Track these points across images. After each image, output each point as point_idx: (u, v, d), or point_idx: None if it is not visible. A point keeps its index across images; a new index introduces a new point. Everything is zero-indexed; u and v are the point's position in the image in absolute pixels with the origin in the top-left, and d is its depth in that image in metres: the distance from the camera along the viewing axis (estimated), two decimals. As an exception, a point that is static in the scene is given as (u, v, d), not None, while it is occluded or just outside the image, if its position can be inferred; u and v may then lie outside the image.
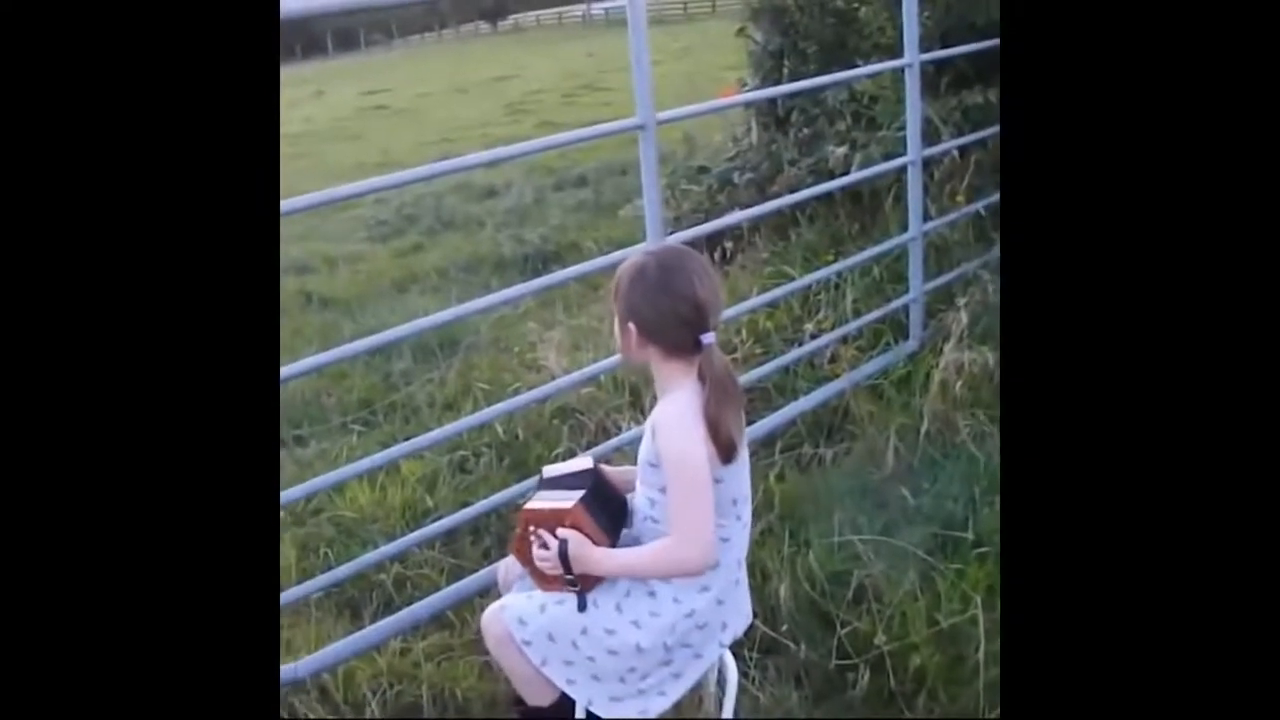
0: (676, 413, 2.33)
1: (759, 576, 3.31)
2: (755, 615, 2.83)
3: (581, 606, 2.44)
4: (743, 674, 2.98)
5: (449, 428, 3.49)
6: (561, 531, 2.41)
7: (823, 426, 4.34)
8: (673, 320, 2.33)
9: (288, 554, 3.83)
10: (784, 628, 3.14)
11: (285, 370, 2.96)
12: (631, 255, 2.49)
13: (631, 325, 2.38)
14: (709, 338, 2.32)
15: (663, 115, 3.40)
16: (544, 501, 2.51)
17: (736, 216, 5.05)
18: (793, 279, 4.91)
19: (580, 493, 2.48)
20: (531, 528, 2.47)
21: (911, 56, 4.52)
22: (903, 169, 4.85)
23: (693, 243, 5.81)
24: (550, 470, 2.68)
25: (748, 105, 6.76)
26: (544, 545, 2.43)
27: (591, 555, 2.40)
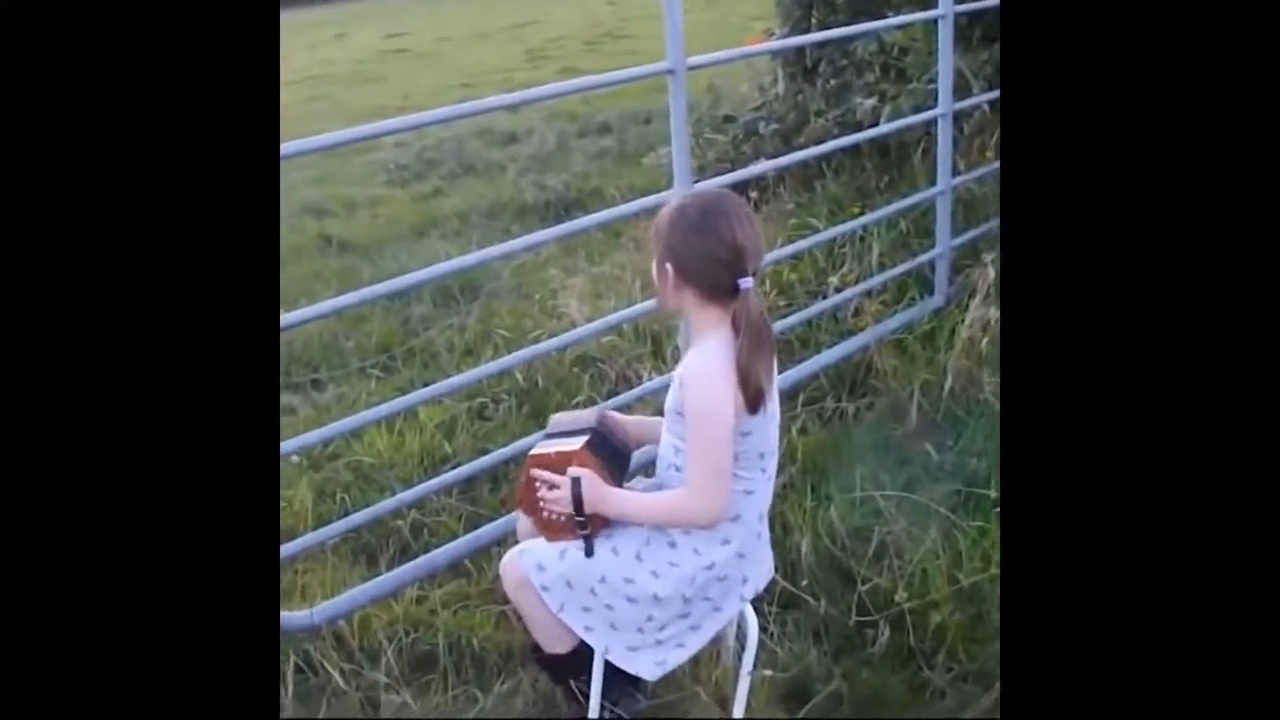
0: (706, 363, 2.30)
1: (780, 530, 3.29)
2: (775, 569, 2.81)
3: (589, 552, 2.43)
4: (761, 628, 2.96)
5: (469, 374, 3.46)
6: (572, 470, 2.39)
7: (846, 381, 4.31)
8: (710, 262, 2.30)
9: (304, 498, 3.82)
10: (804, 582, 3.12)
11: (304, 313, 2.94)
12: (666, 199, 2.46)
13: (669, 266, 2.35)
14: (747, 282, 2.29)
15: (693, 60, 3.34)
16: (549, 446, 2.50)
17: (763, 166, 4.99)
18: (818, 231, 4.87)
19: (585, 436, 2.47)
20: (536, 472, 2.45)
21: (945, 7, 4.44)
22: (932, 122, 4.78)
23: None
24: (556, 421, 2.67)
25: (775, 55, 6.69)
26: (553, 487, 2.41)
27: (604, 493, 2.40)
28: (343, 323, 5.69)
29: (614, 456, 2.51)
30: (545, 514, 2.47)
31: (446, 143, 11.17)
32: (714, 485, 2.30)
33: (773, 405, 2.42)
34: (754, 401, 2.29)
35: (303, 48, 30.94)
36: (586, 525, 2.41)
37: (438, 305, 5.85)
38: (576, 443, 2.45)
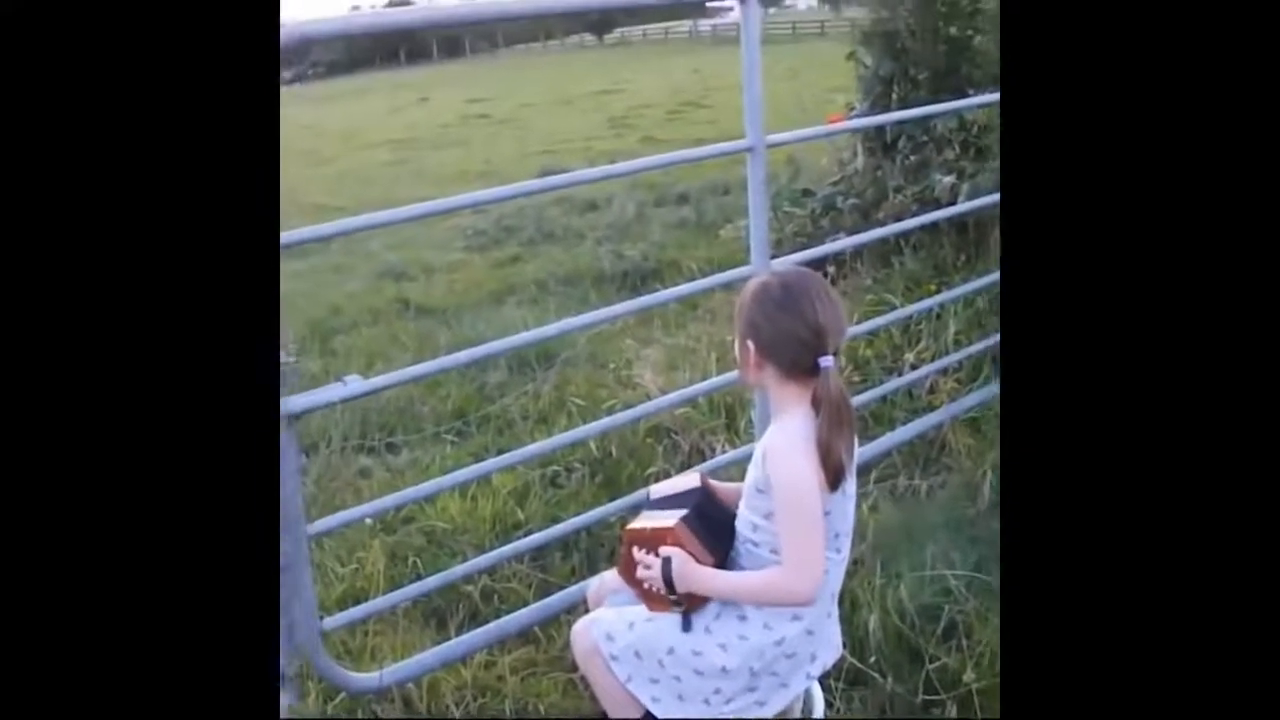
0: (789, 440, 2.32)
1: (849, 606, 3.27)
2: (845, 646, 2.79)
3: (686, 626, 2.44)
4: (828, 704, 2.95)
5: (543, 443, 3.50)
6: (664, 550, 2.40)
7: (919, 458, 4.29)
8: (791, 340, 2.32)
9: (376, 561, 3.85)
10: (871, 659, 3.09)
11: (385, 379, 2.98)
12: (745, 274, 2.48)
13: (750, 343, 2.38)
14: (827, 361, 2.30)
15: (772, 138, 3.38)
16: (646, 521, 2.51)
17: (842, 243, 5.00)
18: (894, 307, 4.87)
19: (682, 511, 2.46)
20: (635, 547, 2.47)
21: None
22: (1010, 200, 4.76)
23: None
24: (658, 490, 2.68)
25: (855, 131, 6.72)
26: (649, 565, 2.42)
27: (695, 573, 2.39)
28: (419, 388, 5.75)
29: (714, 528, 2.50)
30: (645, 585, 2.48)
31: (526, 210, 11.31)
32: (811, 560, 2.29)
33: (850, 485, 2.43)
34: (834, 479, 2.30)
35: (385, 111, 31.46)
36: (682, 603, 2.42)
37: (513, 372, 5.89)
38: (672, 519, 2.45)
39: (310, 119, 31.36)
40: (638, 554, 2.46)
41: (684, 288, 3.68)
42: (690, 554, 2.40)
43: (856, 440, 2.43)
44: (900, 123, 6.23)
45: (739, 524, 2.48)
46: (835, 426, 2.28)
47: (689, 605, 2.43)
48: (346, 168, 18.96)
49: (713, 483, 2.65)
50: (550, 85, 33.95)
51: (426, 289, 8.63)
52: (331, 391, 2.76)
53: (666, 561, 2.39)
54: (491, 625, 3.23)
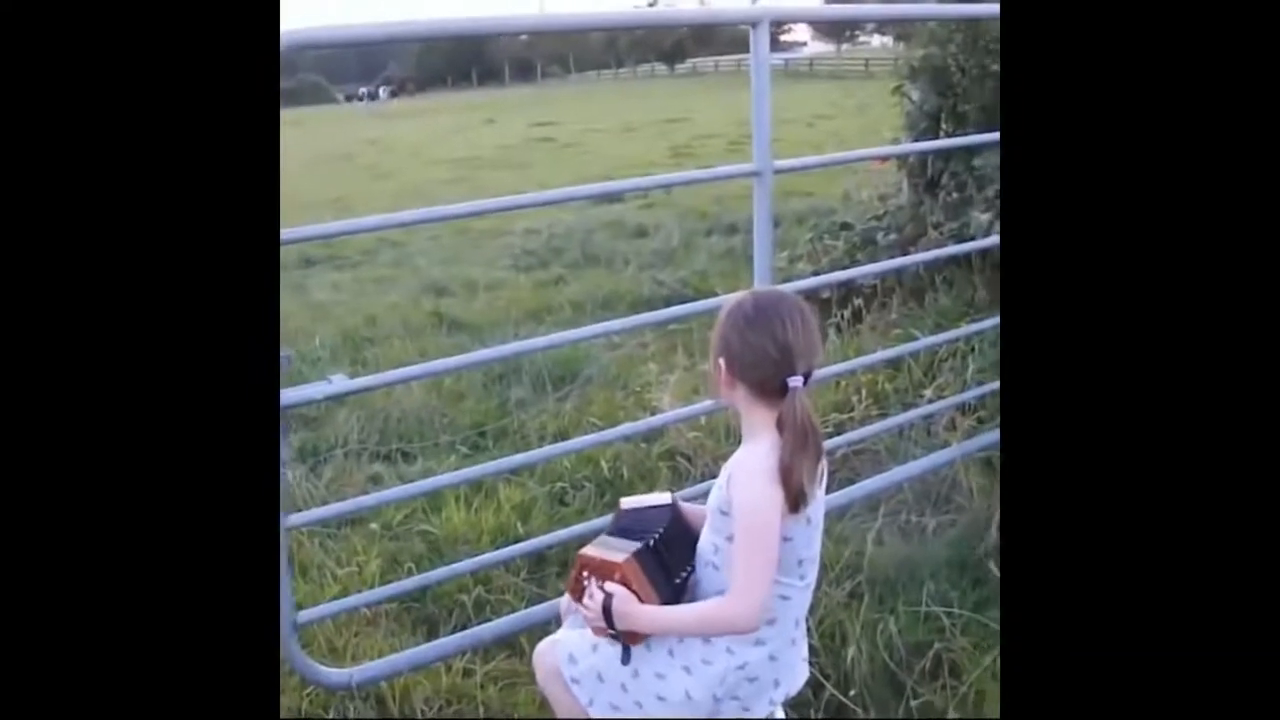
0: (754, 464, 2.29)
1: (837, 639, 3.24)
2: (828, 678, 2.75)
3: (625, 660, 2.41)
4: (807, 736, 2.92)
5: (540, 451, 3.49)
6: (609, 585, 2.38)
7: (930, 495, 4.23)
8: (761, 359, 2.29)
9: (374, 566, 3.86)
10: (853, 693, 3.05)
11: (368, 380, 3.00)
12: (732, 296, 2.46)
13: (721, 361, 2.35)
14: (795, 381, 2.27)
15: (780, 164, 3.36)
16: (600, 549, 2.47)
17: (851, 273, 5.01)
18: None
19: (636, 546, 2.43)
20: (584, 572, 2.44)
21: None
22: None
23: (817, 297, 5.83)
24: (628, 503, 2.65)
25: (894, 160, 6.69)
26: (592, 595, 2.40)
27: (634, 613, 2.36)
28: (442, 399, 5.78)
29: (674, 554, 2.47)
30: (585, 608, 2.45)
31: (575, 231, 11.36)
32: (758, 587, 2.26)
33: (817, 513, 2.39)
34: (795, 503, 2.26)
35: (451, 130, 31.73)
36: (619, 638, 2.40)
37: (536, 390, 5.90)
38: (622, 554, 2.41)
39: (377, 134, 31.70)
40: (586, 581, 2.44)
41: (683, 308, 3.67)
42: (635, 592, 2.36)
43: (825, 466, 2.39)
44: (945, 160, 6.20)
45: (701, 545, 2.45)
46: (799, 450, 2.25)
47: (629, 640, 2.40)
48: (407, 183, 19.13)
49: (683, 504, 2.62)
50: (616, 112, 34.14)
51: (466, 305, 8.66)
52: (314, 389, 2.76)
53: (609, 598, 2.36)
54: (467, 633, 3.22)
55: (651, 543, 2.44)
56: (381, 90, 70.90)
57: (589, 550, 2.49)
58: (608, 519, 3.28)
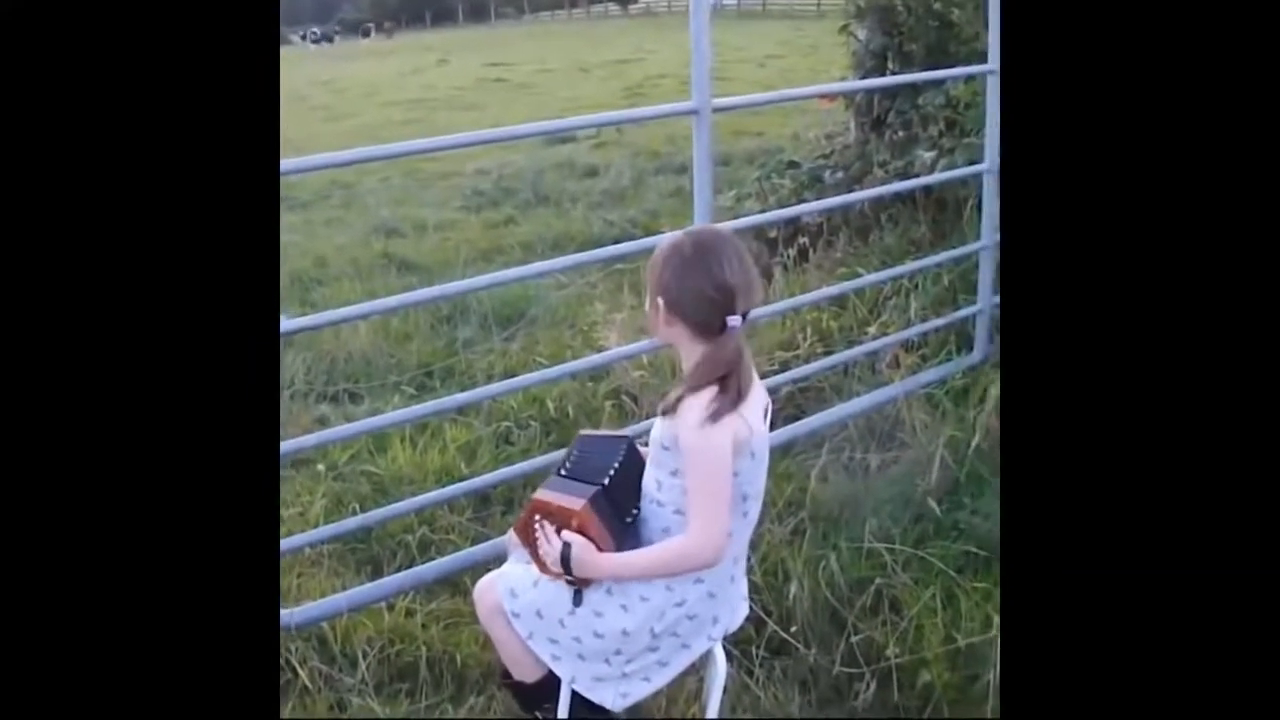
0: (699, 401, 2.28)
1: (780, 575, 3.26)
2: (770, 614, 2.76)
3: (577, 603, 2.42)
4: (748, 672, 2.94)
5: (486, 389, 3.49)
6: (566, 535, 2.38)
7: (875, 432, 4.26)
8: (700, 299, 2.29)
9: (319, 506, 3.86)
10: (794, 629, 3.08)
11: (312, 319, 2.98)
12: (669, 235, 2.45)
13: (660, 301, 2.34)
14: (735, 320, 2.27)
15: (718, 102, 3.36)
16: (555, 494, 2.46)
17: (796, 209, 5.04)
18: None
19: (594, 489, 2.42)
20: (538, 517, 2.44)
21: (993, 62, 4.41)
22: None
23: (764, 235, 5.84)
24: (585, 436, 2.65)
25: (844, 99, 6.69)
26: (549, 539, 2.40)
27: (593, 560, 2.37)
28: (390, 340, 5.75)
29: (626, 493, 2.46)
30: (542, 558, 2.45)
31: (525, 172, 11.28)
32: (718, 524, 2.28)
33: (762, 449, 2.40)
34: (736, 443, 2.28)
35: (406, 70, 31.43)
36: (574, 583, 2.41)
37: (484, 330, 5.89)
38: (579, 500, 2.40)
39: (330, 75, 31.34)
40: (539, 526, 2.44)
41: (626, 245, 3.67)
42: (593, 538, 2.37)
43: (769, 403, 2.40)
44: (891, 98, 6.20)
45: (646, 482, 2.46)
46: (735, 388, 2.26)
47: (582, 584, 2.41)
48: (361, 124, 18.91)
49: (638, 445, 2.60)
50: (570, 52, 33.84)
51: (416, 246, 8.60)
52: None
53: (566, 546, 2.36)
54: (409, 572, 3.23)
55: (606, 483, 2.43)
56: (371, 30, 69.31)
57: (543, 494, 2.49)
58: (553, 457, 3.29)
